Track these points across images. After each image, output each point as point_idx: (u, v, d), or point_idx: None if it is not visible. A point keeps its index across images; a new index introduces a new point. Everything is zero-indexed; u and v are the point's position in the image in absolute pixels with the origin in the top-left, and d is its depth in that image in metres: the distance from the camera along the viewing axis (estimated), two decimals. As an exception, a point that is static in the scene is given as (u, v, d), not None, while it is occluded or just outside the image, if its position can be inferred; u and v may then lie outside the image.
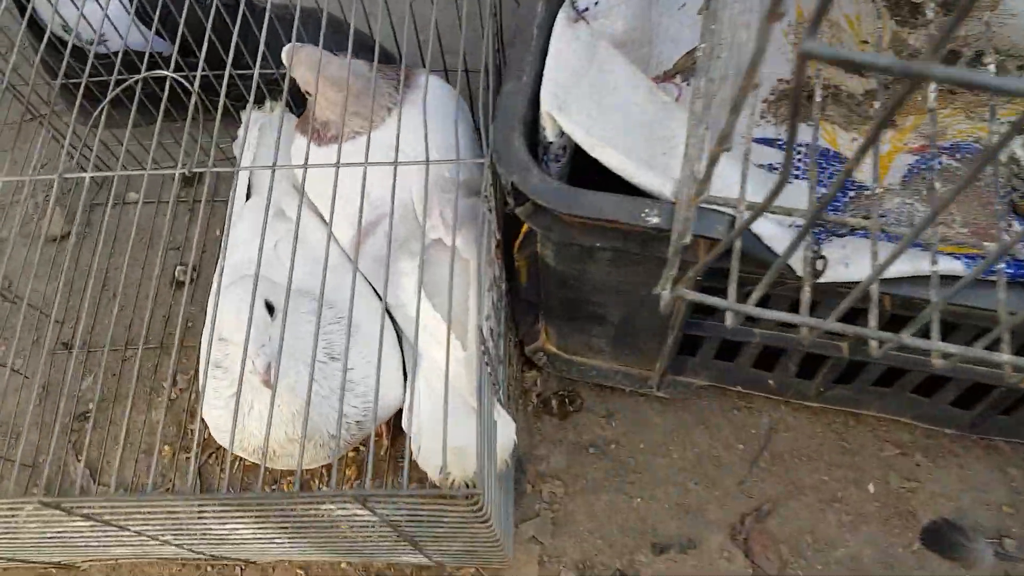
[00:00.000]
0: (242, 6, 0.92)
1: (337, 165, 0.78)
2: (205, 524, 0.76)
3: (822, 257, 0.76)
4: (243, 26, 0.94)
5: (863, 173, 0.96)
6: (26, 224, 1.29)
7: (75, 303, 1.25)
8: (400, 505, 0.72)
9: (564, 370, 1.13)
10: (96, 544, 0.89)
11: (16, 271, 1.24)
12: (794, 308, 0.88)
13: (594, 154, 0.78)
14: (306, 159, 0.84)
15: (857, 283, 0.77)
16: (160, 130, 0.89)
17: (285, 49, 0.94)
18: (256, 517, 0.73)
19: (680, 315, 0.92)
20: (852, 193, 0.94)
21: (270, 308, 0.81)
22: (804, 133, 0.99)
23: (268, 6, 0.88)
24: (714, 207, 0.75)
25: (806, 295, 0.71)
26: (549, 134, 0.81)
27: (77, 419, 1.18)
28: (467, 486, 0.97)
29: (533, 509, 1.10)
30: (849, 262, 0.77)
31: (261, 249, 0.76)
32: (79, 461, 1.15)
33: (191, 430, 1.16)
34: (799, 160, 0.95)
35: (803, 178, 0.93)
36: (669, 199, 0.77)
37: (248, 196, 1.10)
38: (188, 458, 1.12)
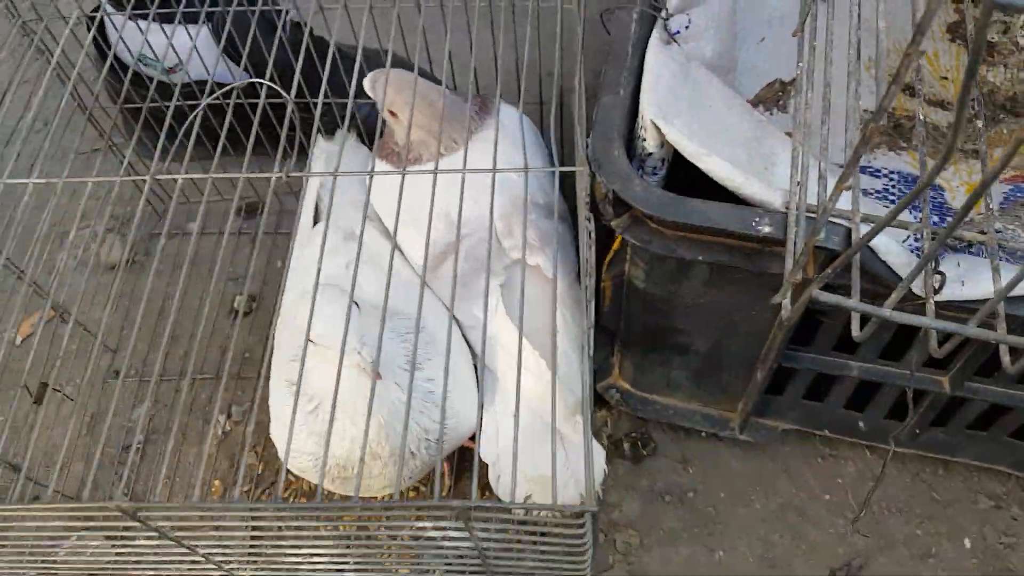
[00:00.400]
0: (306, 38, 0.90)
1: (435, 172, 0.75)
2: (280, 549, 0.71)
3: (941, 273, 0.72)
4: (307, 61, 0.92)
5: (957, 199, 0.92)
6: (84, 251, 1.26)
7: (129, 331, 1.21)
8: (494, 529, 0.66)
9: (638, 409, 1.08)
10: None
11: (73, 298, 1.21)
12: (898, 334, 0.84)
13: (700, 163, 0.74)
14: (372, 168, 0.82)
15: (971, 301, 0.73)
16: (221, 163, 0.85)
17: (372, 74, 0.92)
18: (336, 541, 0.68)
19: (776, 344, 0.87)
20: (950, 219, 0.90)
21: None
22: (895, 161, 0.96)
23: (332, 43, 0.86)
24: (833, 219, 0.71)
25: (931, 307, 0.66)
26: (650, 145, 0.78)
27: (125, 449, 1.13)
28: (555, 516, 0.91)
29: (606, 560, 1.03)
30: (965, 280, 0.73)
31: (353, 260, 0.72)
32: (125, 495, 1.09)
33: (241, 463, 1.11)
34: (893, 186, 0.92)
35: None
36: (779, 210, 0.73)
37: (315, 223, 1.07)
38: (243, 492, 1.06)
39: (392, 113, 0.92)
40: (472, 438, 0.94)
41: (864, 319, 0.64)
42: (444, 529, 0.65)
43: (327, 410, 0.81)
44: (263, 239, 1.30)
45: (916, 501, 1.05)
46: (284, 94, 0.82)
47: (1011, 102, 0.94)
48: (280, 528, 0.67)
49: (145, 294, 1.18)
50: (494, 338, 0.89)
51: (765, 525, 1.04)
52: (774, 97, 1.01)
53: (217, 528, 0.66)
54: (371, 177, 0.80)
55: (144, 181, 0.77)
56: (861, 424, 1.01)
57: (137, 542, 0.75)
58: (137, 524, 0.64)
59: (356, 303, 0.75)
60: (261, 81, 0.82)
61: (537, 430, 0.87)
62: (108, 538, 0.70)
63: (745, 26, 1.01)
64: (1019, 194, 0.93)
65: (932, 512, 1.04)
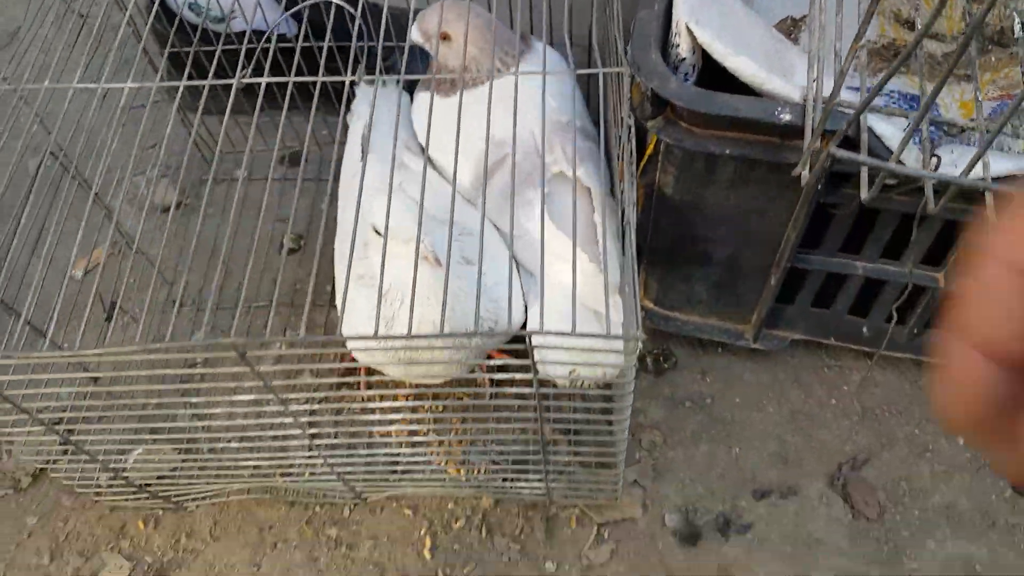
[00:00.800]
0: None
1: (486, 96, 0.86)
2: (363, 404, 0.80)
3: (936, 156, 0.83)
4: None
5: (951, 113, 1.03)
6: (138, 196, 1.35)
7: (183, 267, 1.30)
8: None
9: (661, 325, 1.18)
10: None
11: (131, 237, 1.30)
12: (901, 225, 0.95)
13: (727, 62, 0.85)
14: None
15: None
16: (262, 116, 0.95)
17: (425, 10, 1.03)
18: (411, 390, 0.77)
19: (789, 245, 0.98)
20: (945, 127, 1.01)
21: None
22: (894, 83, 1.07)
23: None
24: (841, 109, 0.82)
25: (928, 185, 0.76)
26: (683, 50, 0.88)
27: (187, 365, 1.21)
28: (598, 386, 1.01)
29: (634, 456, 1.12)
30: (958, 164, 0.84)
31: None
32: (187, 408, 1.18)
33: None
34: (893, 102, 1.03)
35: (898, 116, 1.00)
36: (797, 102, 0.84)
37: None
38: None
39: (445, 36, 1.02)
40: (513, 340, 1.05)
41: (871, 180, 0.75)
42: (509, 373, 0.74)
43: (395, 297, 0.91)
44: (307, 185, 1.40)
45: (914, 404, 1.15)
46: (351, 9, 0.92)
47: (999, 35, 1.06)
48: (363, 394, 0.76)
49: (196, 232, 1.29)
50: (538, 241, 0.99)
51: (778, 427, 1.14)
52: (786, 32, 1.12)
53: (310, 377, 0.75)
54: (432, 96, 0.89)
55: (191, 122, 0.86)
56: (865, 329, 1.11)
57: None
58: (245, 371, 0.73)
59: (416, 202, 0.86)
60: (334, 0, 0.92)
61: (580, 314, 0.97)
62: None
63: (758, -33, 1.12)
64: (1004, 107, 1.04)
65: (929, 414, 1.15)
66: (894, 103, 1.01)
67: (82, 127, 0.92)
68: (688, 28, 0.86)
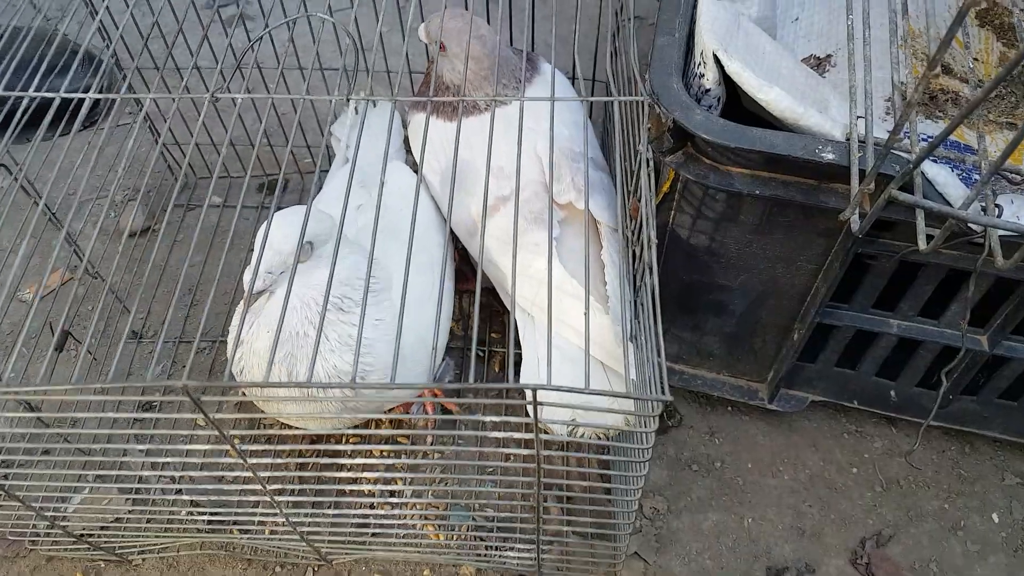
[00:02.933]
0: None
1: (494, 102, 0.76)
2: (335, 462, 0.69)
3: (998, 205, 0.74)
4: None
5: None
6: (104, 220, 1.25)
7: (148, 296, 1.19)
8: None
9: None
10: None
11: (93, 262, 1.20)
12: (947, 281, 0.85)
13: (760, 95, 0.76)
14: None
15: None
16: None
17: (428, 19, 0.94)
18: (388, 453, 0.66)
19: (818, 298, 0.88)
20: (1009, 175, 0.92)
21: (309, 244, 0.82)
22: (932, 128, 0.99)
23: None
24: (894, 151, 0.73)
25: (994, 237, 0.67)
26: (708, 80, 0.79)
27: (142, 408, 1.10)
28: (599, 437, 0.90)
29: (635, 525, 1.02)
30: (1020, 216, 0.75)
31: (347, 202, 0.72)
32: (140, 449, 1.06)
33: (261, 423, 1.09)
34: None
35: (943, 162, 0.92)
36: (838, 139, 0.74)
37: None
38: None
39: (442, 47, 0.92)
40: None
41: (929, 236, 0.65)
42: (508, 432, 0.63)
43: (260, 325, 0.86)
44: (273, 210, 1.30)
45: (943, 476, 1.05)
46: (343, 27, 0.83)
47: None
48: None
49: (161, 259, 1.19)
50: (542, 283, 0.89)
51: (794, 495, 1.04)
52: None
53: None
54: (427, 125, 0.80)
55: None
56: (893, 394, 1.01)
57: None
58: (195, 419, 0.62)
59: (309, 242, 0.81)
60: (324, 17, 0.83)
61: (581, 361, 0.87)
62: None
63: (781, 5, 1.04)
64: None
65: (959, 488, 1.04)
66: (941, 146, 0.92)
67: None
68: (716, 57, 0.77)
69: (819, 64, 1.05)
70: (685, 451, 1.07)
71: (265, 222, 0.74)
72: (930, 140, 0.88)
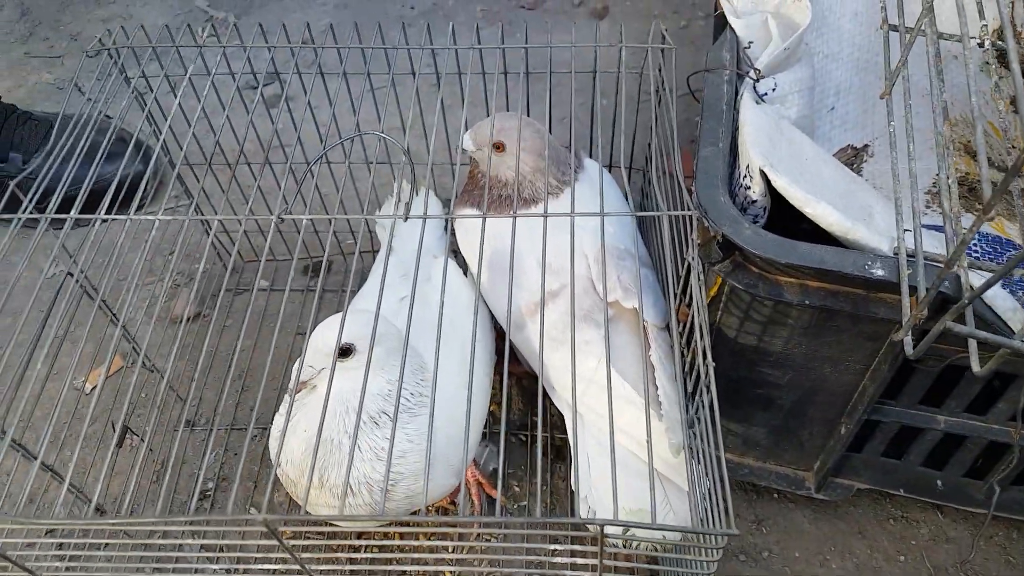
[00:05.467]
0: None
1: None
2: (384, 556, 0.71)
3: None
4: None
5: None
6: (154, 306, 1.28)
7: (200, 382, 1.22)
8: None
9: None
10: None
11: (148, 350, 1.22)
12: (986, 390, 0.86)
13: (807, 209, 0.78)
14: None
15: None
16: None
17: (477, 124, 0.98)
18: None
19: (866, 397, 0.89)
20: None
21: (346, 351, 0.83)
22: (967, 221, 1.00)
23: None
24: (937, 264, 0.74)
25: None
26: (755, 193, 0.81)
27: (200, 498, 1.12)
28: (655, 550, 0.91)
29: (682, 616, 1.02)
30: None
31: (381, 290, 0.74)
32: (196, 540, 1.08)
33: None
34: (975, 244, 0.95)
35: (981, 259, 0.93)
36: (886, 254, 0.76)
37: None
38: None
39: (499, 146, 0.95)
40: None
41: (983, 358, 0.66)
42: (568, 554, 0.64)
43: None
44: (331, 297, 1.32)
45: (992, 564, 1.05)
46: (401, 145, 0.86)
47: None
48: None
49: (213, 346, 1.21)
50: (591, 381, 0.91)
51: (842, 586, 1.04)
52: (847, 162, 1.06)
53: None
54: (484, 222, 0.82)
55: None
56: (939, 483, 1.01)
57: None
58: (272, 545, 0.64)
59: (347, 348, 0.83)
60: (380, 135, 0.86)
61: (634, 466, 0.88)
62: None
63: (817, 96, 1.06)
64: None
65: (1009, 575, 1.04)
66: (975, 244, 0.93)
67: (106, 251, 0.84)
68: (762, 172, 0.79)
69: (856, 154, 1.07)
70: (732, 540, 1.08)
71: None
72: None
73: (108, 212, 0.81)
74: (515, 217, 0.79)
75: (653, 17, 1.57)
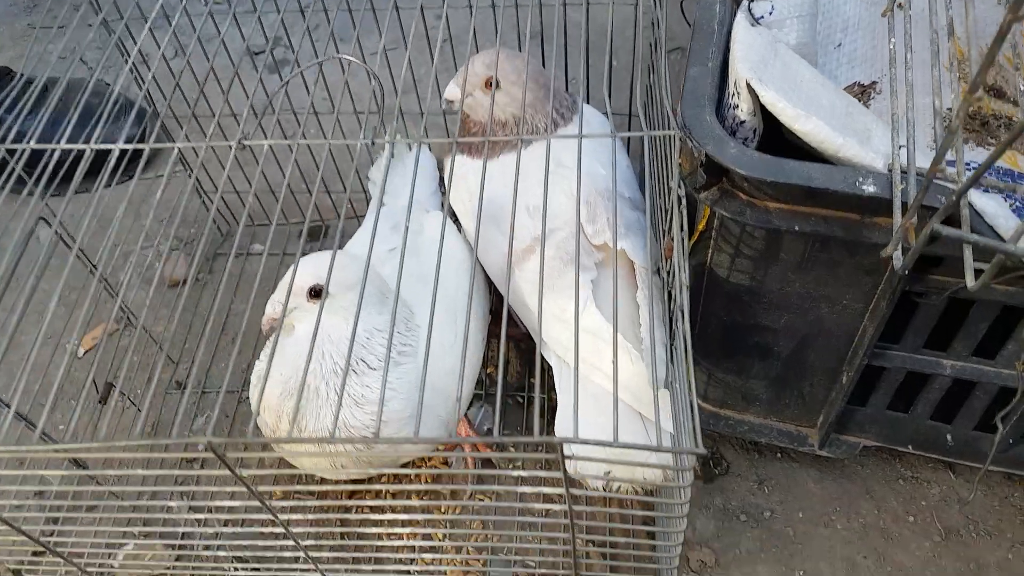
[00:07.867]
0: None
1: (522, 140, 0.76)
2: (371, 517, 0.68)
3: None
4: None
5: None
6: (148, 269, 1.26)
7: (192, 345, 1.20)
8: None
9: (709, 425, 1.04)
10: None
11: (137, 313, 1.21)
12: (1003, 318, 0.82)
13: (796, 125, 0.74)
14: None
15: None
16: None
17: (479, 55, 0.95)
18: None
19: (866, 339, 0.85)
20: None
21: (316, 292, 0.83)
22: (983, 155, 0.95)
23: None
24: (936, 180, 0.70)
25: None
26: (743, 112, 0.78)
27: (186, 461, 1.10)
28: (637, 492, 0.88)
29: (680, 577, 0.98)
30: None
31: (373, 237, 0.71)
32: (184, 499, 1.06)
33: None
34: (986, 177, 0.91)
35: (992, 191, 0.88)
36: (880, 171, 0.72)
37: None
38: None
39: (496, 83, 0.92)
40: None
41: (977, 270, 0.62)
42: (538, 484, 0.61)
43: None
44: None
45: (1006, 525, 1.00)
46: (371, 69, 0.84)
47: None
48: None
49: (207, 308, 1.20)
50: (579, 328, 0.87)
51: (848, 546, 0.99)
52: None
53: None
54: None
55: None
56: (949, 437, 0.96)
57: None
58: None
59: (316, 288, 0.83)
60: (349, 59, 0.83)
61: (620, 412, 0.84)
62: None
63: (822, 31, 1.02)
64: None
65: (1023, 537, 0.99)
66: (989, 174, 0.89)
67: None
68: (749, 87, 0.76)
69: (863, 91, 1.03)
70: (733, 500, 1.04)
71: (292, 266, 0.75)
72: (973, 166, 0.85)
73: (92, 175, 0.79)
74: (519, 153, 0.76)
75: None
